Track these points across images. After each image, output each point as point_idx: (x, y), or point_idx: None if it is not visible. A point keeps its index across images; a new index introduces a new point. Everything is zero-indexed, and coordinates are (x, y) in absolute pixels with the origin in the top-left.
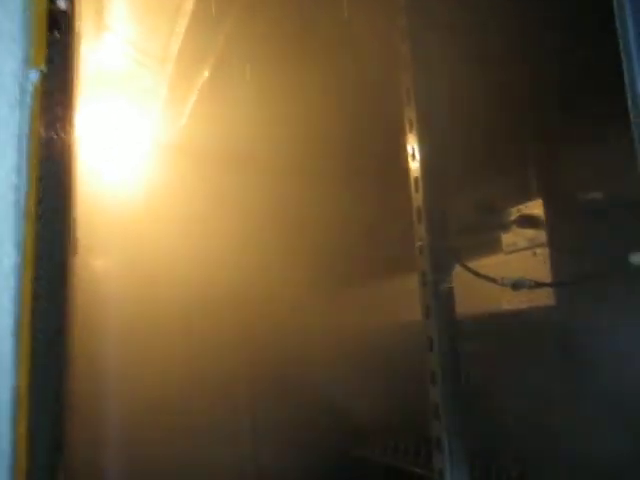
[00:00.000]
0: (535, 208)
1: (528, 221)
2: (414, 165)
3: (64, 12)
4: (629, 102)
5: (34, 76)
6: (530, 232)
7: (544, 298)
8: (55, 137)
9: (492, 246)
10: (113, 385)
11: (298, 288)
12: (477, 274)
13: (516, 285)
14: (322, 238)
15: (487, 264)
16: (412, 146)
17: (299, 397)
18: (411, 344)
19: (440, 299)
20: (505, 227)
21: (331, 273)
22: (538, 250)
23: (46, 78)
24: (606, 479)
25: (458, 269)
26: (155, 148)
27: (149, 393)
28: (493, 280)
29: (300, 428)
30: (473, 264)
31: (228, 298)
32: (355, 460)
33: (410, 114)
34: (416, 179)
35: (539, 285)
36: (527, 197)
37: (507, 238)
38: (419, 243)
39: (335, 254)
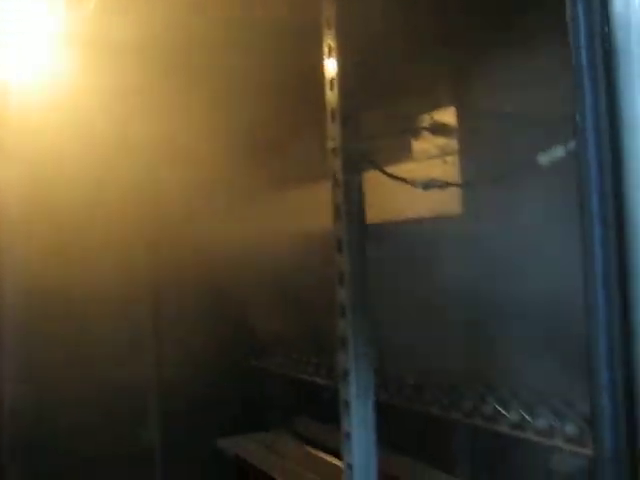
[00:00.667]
0: (448, 115)
1: (440, 128)
2: (330, 64)
3: None
4: None
5: None
6: (441, 140)
7: (451, 205)
8: None
9: (403, 153)
10: (9, 289)
11: (200, 193)
12: (389, 175)
13: (427, 185)
14: (228, 143)
15: (397, 171)
16: (328, 44)
17: (202, 306)
18: (319, 254)
19: (350, 201)
20: (417, 134)
21: (238, 178)
22: (448, 158)
23: None
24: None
25: (369, 176)
26: (57, 38)
27: (47, 298)
28: (404, 180)
29: (202, 337)
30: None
31: (130, 200)
32: (257, 371)
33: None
34: (332, 79)
35: (448, 185)
36: (440, 105)
37: (418, 145)
38: (332, 144)
39: (242, 161)
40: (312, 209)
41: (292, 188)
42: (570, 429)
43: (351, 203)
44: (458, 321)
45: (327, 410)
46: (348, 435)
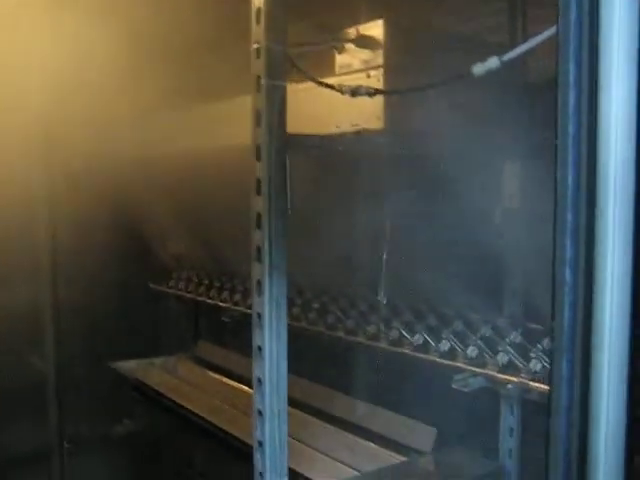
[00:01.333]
0: (374, 29)
1: (365, 42)
2: None
3: None
4: None
5: None
6: (366, 53)
7: (373, 121)
8: None
9: (325, 67)
10: None
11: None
12: (315, 80)
13: (355, 92)
14: (136, 49)
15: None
16: None
17: (102, 226)
18: (229, 172)
19: (272, 106)
20: (341, 48)
21: (148, 88)
22: (372, 72)
23: None
24: None
25: (291, 88)
26: None
27: None
28: (332, 87)
29: (101, 260)
30: (304, 85)
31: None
32: (158, 294)
33: None
34: None
35: (377, 92)
36: (367, 17)
37: (341, 59)
38: (256, 45)
39: (153, 69)
40: (228, 122)
41: (209, 99)
42: (471, 351)
43: (272, 108)
44: (368, 242)
45: (229, 335)
46: (259, 348)
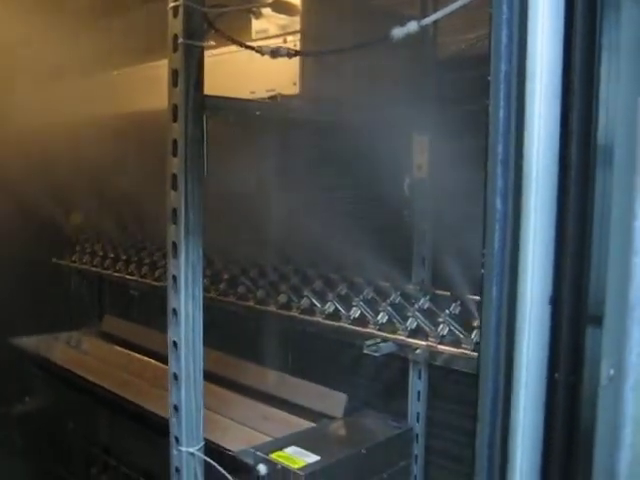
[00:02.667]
0: None
1: (282, 7)
2: None
3: None
4: None
5: None
6: (283, 19)
7: (289, 87)
8: None
9: (242, 32)
10: None
11: None
12: (235, 40)
13: (275, 52)
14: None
15: (235, 49)
16: None
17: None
18: (138, 139)
19: (190, 66)
20: (258, 13)
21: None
22: (289, 38)
23: None
24: None
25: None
26: None
27: None
28: (252, 48)
29: (1, 234)
30: (218, 50)
31: None
32: (61, 269)
33: None
34: None
35: (297, 54)
36: None
37: (258, 24)
38: (173, 3)
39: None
40: (138, 87)
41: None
42: (381, 317)
43: (190, 68)
44: (279, 210)
45: (136, 309)
46: (175, 311)
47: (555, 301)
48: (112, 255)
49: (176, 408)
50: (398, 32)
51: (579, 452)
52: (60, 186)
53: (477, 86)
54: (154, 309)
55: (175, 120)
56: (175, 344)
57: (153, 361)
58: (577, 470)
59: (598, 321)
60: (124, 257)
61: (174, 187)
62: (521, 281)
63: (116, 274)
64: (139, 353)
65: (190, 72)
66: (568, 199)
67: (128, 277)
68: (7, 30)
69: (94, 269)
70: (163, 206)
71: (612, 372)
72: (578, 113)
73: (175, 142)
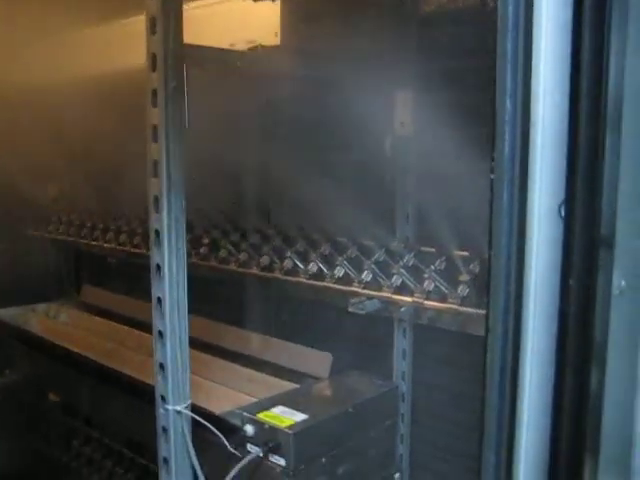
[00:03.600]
0: None
1: None
2: None
3: None
4: None
5: None
6: None
7: (270, 37)
8: None
9: None
10: None
11: None
12: None
13: None
14: None
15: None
16: None
17: None
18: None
19: (168, 12)
20: None
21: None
22: None
23: None
24: None
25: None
26: None
27: None
28: None
29: None
30: (197, 2)
31: None
32: (37, 240)
33: None
34: None
35: None
36: None
37: None
38: None
39: None
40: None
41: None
42: (366, 275)
43: (168, 15)
44: (259, 169)
45: (115, 278)
46: (158, 267)
47: (567, 214)
48: (89, 224)
49: (162, 366)
50: None
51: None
52: (35, 155)
53: (460, 41)
54: (133, 277)
55: (154, 69)
56: (159, 300)
57: (135, 330)
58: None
59: (609, 241)
60: (101, 226)
61: (154, 139)
62: (530, 190)
63: (93, 243)
64: (120, 322)
65: (169, 19)
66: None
67: (106, 246)
68: None
69: (70, 239)
70: (142, 170)
71: (624, 283)
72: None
73: (155, 92)
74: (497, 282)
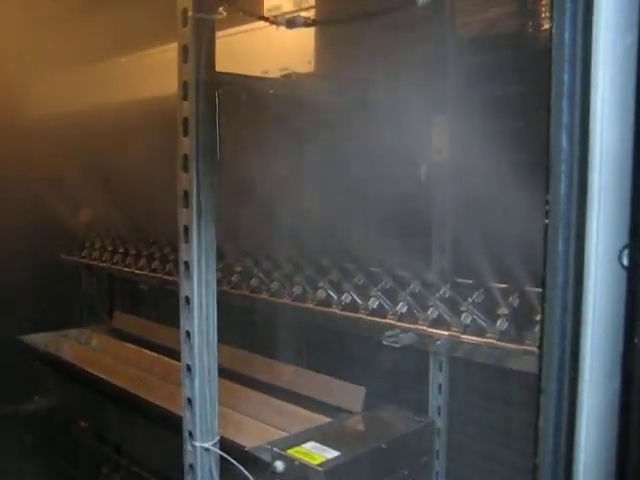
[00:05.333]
0: None
1: None
2: None
3: None
4: None
5: None
6: None
7: (304, 65)
8: None
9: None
10: None
11: None
12: (248, 12)
13: (291, 23)
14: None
15: (246, 28)
16: None
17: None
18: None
19: (200, 40)
20: None
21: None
22: (303, 14)
23: None
24: None
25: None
26: None
27: None
28: (266, 19)
29: (10, 231)
30: (231, 30)
31: None
32: (70, 265)
33: None
34: None
35: (315, 23)
36: None
37: (270, 1)
38: None
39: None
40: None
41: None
42: (401, 307)
43: (200, 43)
44: (294, 197)
45: (147, 304)
46: (187, 299)
47: (631, 262)
48: (121, 250)
49: (190, 401)
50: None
51: None
52: (69, 181)
53: (499, 67)
54: (165, 304)
55: (185, 98)
56: (188, 334)
57: (165, 357)
58: None
59: None
60: (134, 252)
61: (185, 168)
62: (587, 235)
63: (126, 269)
64: (150, 349)
65: (201, 47)
66: None
67: (138, 272)
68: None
69: (103, 264)
70: (174, 197)
71: None
72: None
73: (186, 121)
74: (551, 338)
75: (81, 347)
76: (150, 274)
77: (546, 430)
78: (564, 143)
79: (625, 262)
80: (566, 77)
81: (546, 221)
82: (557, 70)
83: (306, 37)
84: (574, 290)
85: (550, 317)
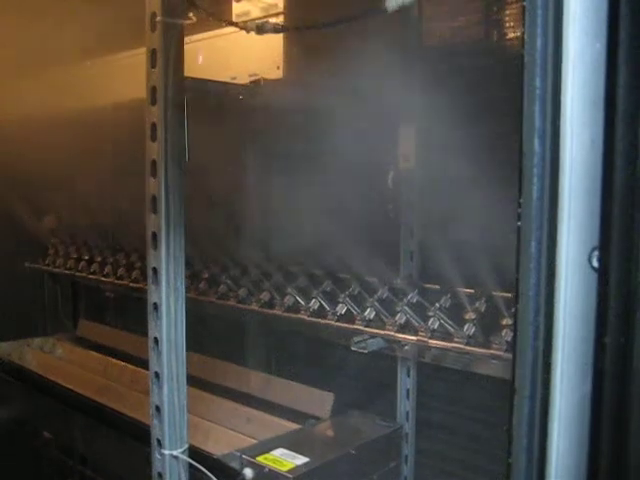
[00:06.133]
0: None
1: None
2: None
3: None
4: None
5: None
6: (264, 1)
7: (273, 71)
8: None
9: (221, 16)
10: None
11: None
12: (218, 18)
13: (260, 28)
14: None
15: (214, 34)
16: None
17: None
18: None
19: (169, 45)
20: None
21: None
22: (272, 20)
23: None
24: None
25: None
26: None
27: None
28: (236, 24)
29: None
30: (199, 35)
31: None
32: (33, 273)
33: None
34: None
35: (284, 29)
36: None
37: (240, 7)
38: None
39: None
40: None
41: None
42: (369, 313)
43: (169, 47)
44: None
45: (113, 312)
46: (156, 306)
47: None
48: (87, 257)
49: (158, 409)
50: (392, 3)
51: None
52: (32, 187)
53: (463, 74)
54: (131, 311)
55: (154, 103)
56: (156, 341)
57: (131, 365)
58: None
59: None
60: (99, 259)
61: (153, 174)
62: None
63: (91, 276)
64: (116, 358)
65: (169, 52)
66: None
67: (104, 279)
68: None
69: (68, 272)
70: (142, 203)
71: None
72: None
73: (154, 126)
74: (523, 339)
75: (45, 356)
76: (116, 281)
77: (519, 430)
78: (537, 147)
79: (595, 264)
80: (538, 82)
81: (519, 223)
82: (529, 75)
83: (275, 43)
84: (546, 291)
85: (523, 318)
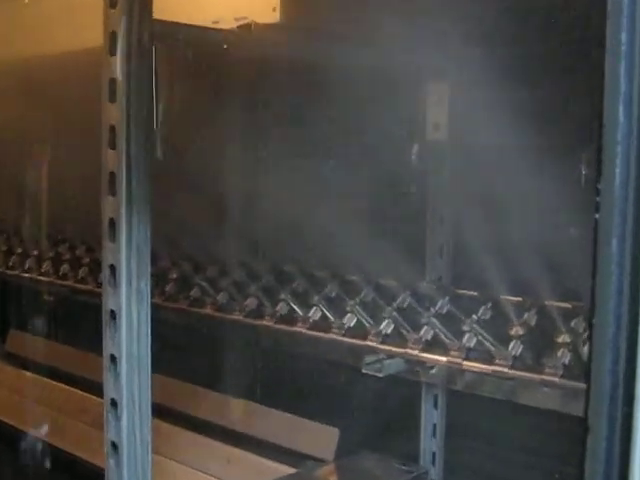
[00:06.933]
0: None
1: None
2: None
3: None
4: None
5: None
6: None
7: (267, 13)
8: None
9: None
10: None
11: None
12: None
13: None
14: None
15: None
16: None
17: None
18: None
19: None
20: None
21: None
22: None
23: None
24: None
25: None
26: None
27: None
28: None
29: None
30: None
31: None
32: None
33: None
34: None
35: None
36: None
37: None
38: None
39: None
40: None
41: None
42: (386, 326)
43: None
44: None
45: (53, 321)
46: (113, 314)
47: None
48: (19, 250)
49: (115, 446)
50: None
51: None
52: None
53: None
54: (78, 321)
55: (113, 53)
56: (113, 359)
57: (78, 390)
58: None
59: None
60: (35, 252)
61: (111, 144)
62: None
63: (25, 275)
64: (58, 380)
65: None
66: None
67: (41, 278)
68: None
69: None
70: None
71: None
72: None
73: (113, 82)
74: (601, 362)
75: None
76: (57, 281)
77: (594, 478)
78: (621, 117)
79: None
80: (624, 36)
81: (596, 215)
82: (613, 27)
83: None
84: (630, 301)
85: (600, 337)
